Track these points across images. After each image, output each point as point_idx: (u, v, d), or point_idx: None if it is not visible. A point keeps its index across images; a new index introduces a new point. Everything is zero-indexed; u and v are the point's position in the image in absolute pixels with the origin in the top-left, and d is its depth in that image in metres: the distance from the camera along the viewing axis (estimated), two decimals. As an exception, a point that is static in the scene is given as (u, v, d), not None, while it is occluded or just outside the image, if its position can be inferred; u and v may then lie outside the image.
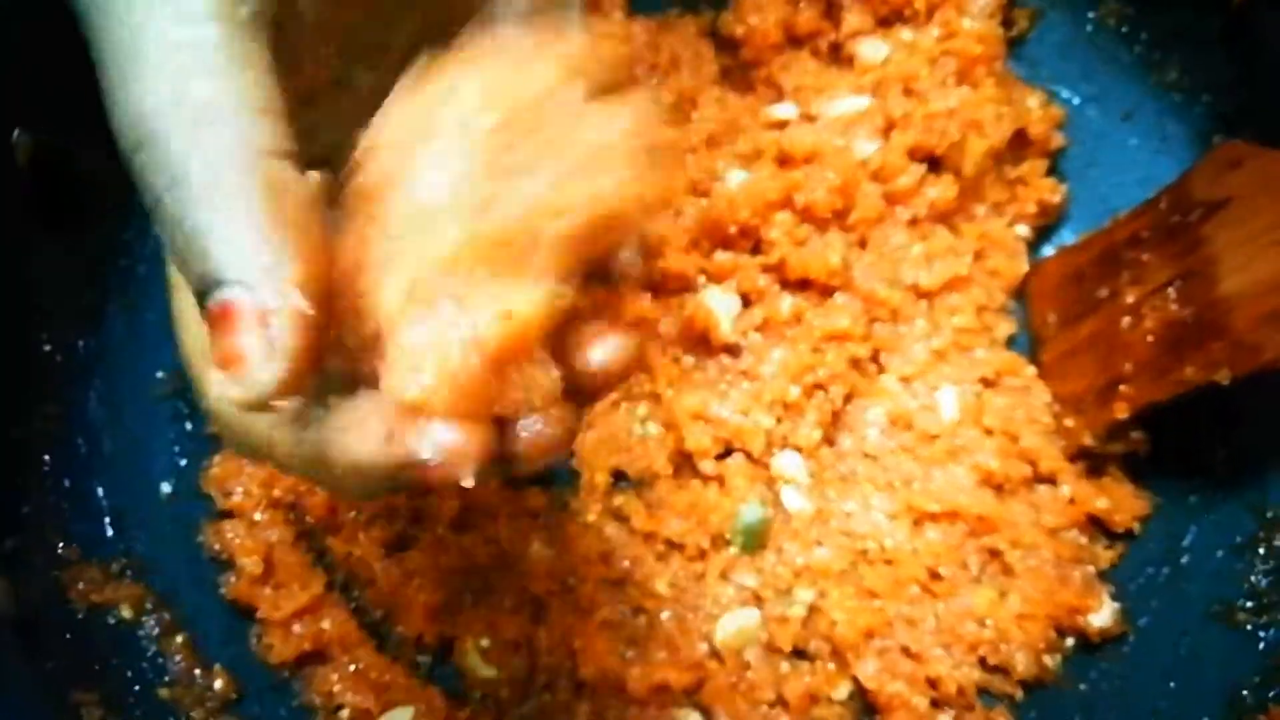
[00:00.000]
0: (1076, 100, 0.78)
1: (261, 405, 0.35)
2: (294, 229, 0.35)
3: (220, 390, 0.35)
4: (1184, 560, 0.66)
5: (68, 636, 0.60)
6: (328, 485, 0.40)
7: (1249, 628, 0.62)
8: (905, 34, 0.76)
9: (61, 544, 0.62)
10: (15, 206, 0.61)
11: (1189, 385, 0.62)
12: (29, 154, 0.61)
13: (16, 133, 0.60)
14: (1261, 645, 0.61)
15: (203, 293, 0.35)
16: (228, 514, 0.68)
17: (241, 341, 0.34)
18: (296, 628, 0.65)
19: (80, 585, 0.62)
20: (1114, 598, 0.66)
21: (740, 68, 0.80)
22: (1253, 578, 0.64)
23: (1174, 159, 0.74)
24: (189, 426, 0.70)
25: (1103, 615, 0.65)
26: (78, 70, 0.58)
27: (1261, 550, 0.64)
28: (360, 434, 0.37)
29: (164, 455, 0.69)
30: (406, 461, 0.36)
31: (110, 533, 0.65)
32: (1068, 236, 0.77)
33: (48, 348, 0.64)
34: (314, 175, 0.37)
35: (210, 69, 0.35)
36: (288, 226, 0.34)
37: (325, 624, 0.65)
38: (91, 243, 0.67)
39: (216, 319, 0.34)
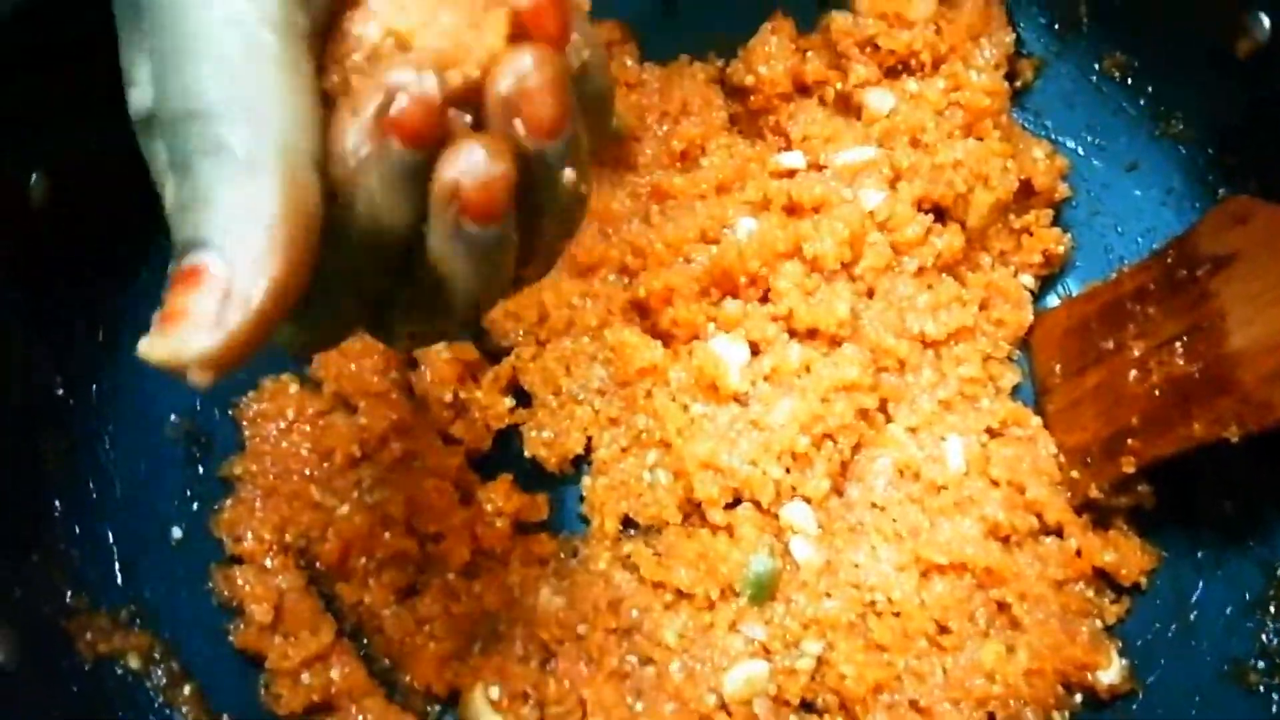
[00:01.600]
0: (1081, 151, 0.79)
1: (177, 369, 0.35)
2: (296, 233, 0.36)
3: (147, 345, 0.35)
4: (1193, 616, 0.66)
5: (74, 689, 0.60)
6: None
7: (1261, 689, 0.62)
8: (911, 85, 0.77)
9: (70, 592, 0.62)
10: (30, 249, 0.61)
11: (1197, 441, 0.62)
12: (46, 197, 0.61)
13: (34, 176, 0.60)
14: (1275, 708, 0.61)
15: (182, 251, 0.36)
16: (237, 559, 0.68)
17: (195, 302, 0.34)
18: (305, 677, 0.64)
19: (88, 635, 0.61)
20: (1122, 654, 0.66)
21: (749, 115, 0.80)
22: (1264, 636, 0.64)
23: (1179, 210, 0.75)
24: (200, 470, 0.70)
25: (1111, 672, 0.65)
26: (97, 114, 0.59)
27: (1273, 608, 0.64)
28: (341, 126, 0.37)
29: (175, 499, 0.69)
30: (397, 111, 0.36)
31: (120, 579, 0.65)
32: (1073, 286, 0.78)
33: (61, 391, 0.65)
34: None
35: (266, 72, 0.36)
36: (291, 228, 0.36)
37: (334, 673, 0.65)
38: (106, 285, 0.67)
39: (183, 275, 0.35)
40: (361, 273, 0.40)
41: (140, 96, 0.41)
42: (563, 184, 0.40)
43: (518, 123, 0.38)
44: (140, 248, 0.68)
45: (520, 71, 0.38)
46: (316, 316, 0.41)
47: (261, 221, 0.35)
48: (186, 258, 0.35)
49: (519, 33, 0.39)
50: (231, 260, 0.35)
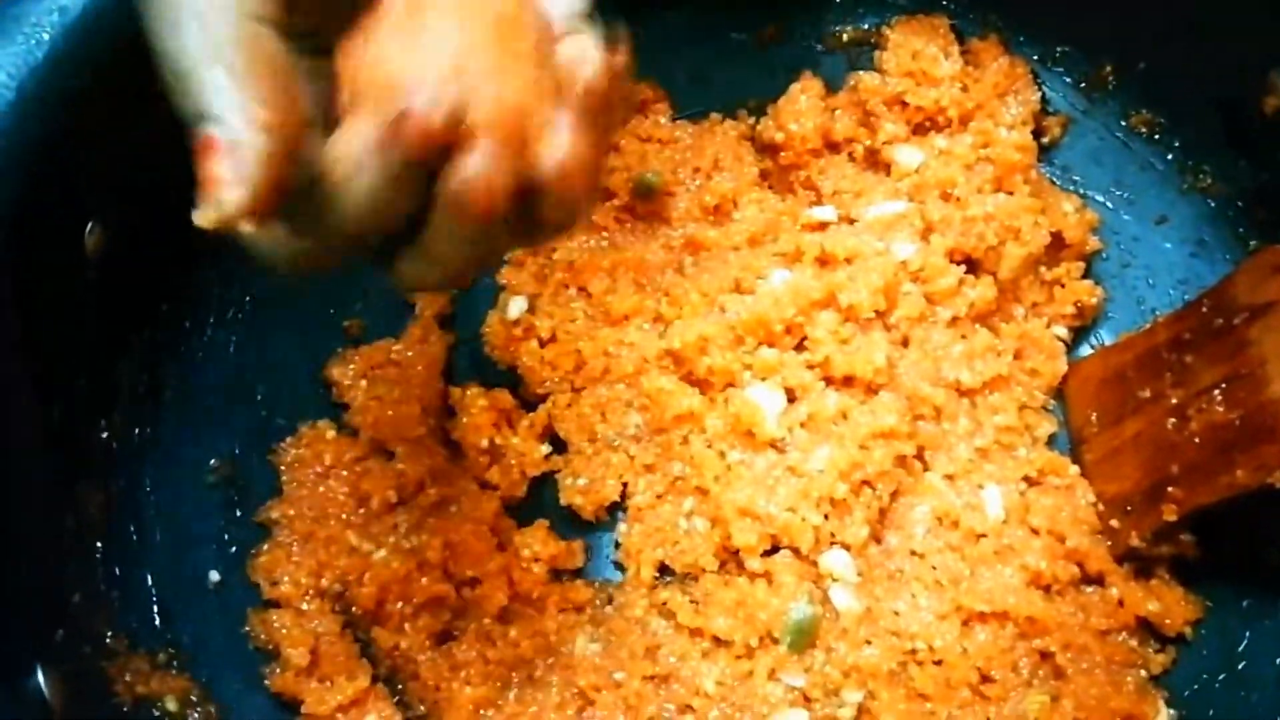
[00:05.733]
0: (1110, 205, 0.80)
1: (232, 224, 0.41)
2: (266, 79, 0.42)
3: (198, 217, 0.41)
4: (1241, 667, 0.65)
5: (114, 729, 0.59)
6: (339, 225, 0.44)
7: (1313, 739, 0.61)
8: (940, 141, 0.79)
9: (110, 634, 0.62)
10: (83, 297, 0.63)
11: (1240, 489, 0.62)
12: (100, 246, 0.62)
13: (90, 225, 0.62)
14: (1328, 757, 0.60)
15: (192, 124, 0.42)
16: (274, 603, 0.68)
17: (215, 168, 0.40)
18: (341, 721, 0.64)
19: (126, 677, 0.61)
20: (1169, 704, 0.65)
21: (780, 171, 0.82)
22: (1315, 685, 0.63)
23: (1210, 262, 0.76)
24: (238, 514, 0.70)
25: (1160, 723, 0.64)
26: (155, 167, 0.61)
27: (1323, 658, 0.63)
28: (351, 134, 0.42)
29: (213, 543, 0.69)
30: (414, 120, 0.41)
31: (158, 622, 0.65)
32: (1106, 337, 0.78)
33: (105, 434, 0.65)
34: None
35: None
36: (260, 77, 0.42)
37: (370, 718, 0.64)
38: (150, 334, 0.68)
39: (200, 148, 0.41)
40: (359, 227, 0.44)
41: None
42: (570, 204, 0.45)
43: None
44: (184, 298, 0.70)
45: (565, 152, 0.43)
46: (306, 225, 0.45)
47: (234, 79, 0.41)
48: (198, 129, 0.41)
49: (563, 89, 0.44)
50: (224, 121, 0.41)
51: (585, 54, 0.44)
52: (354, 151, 0.42)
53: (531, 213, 0.45)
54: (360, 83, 0.42)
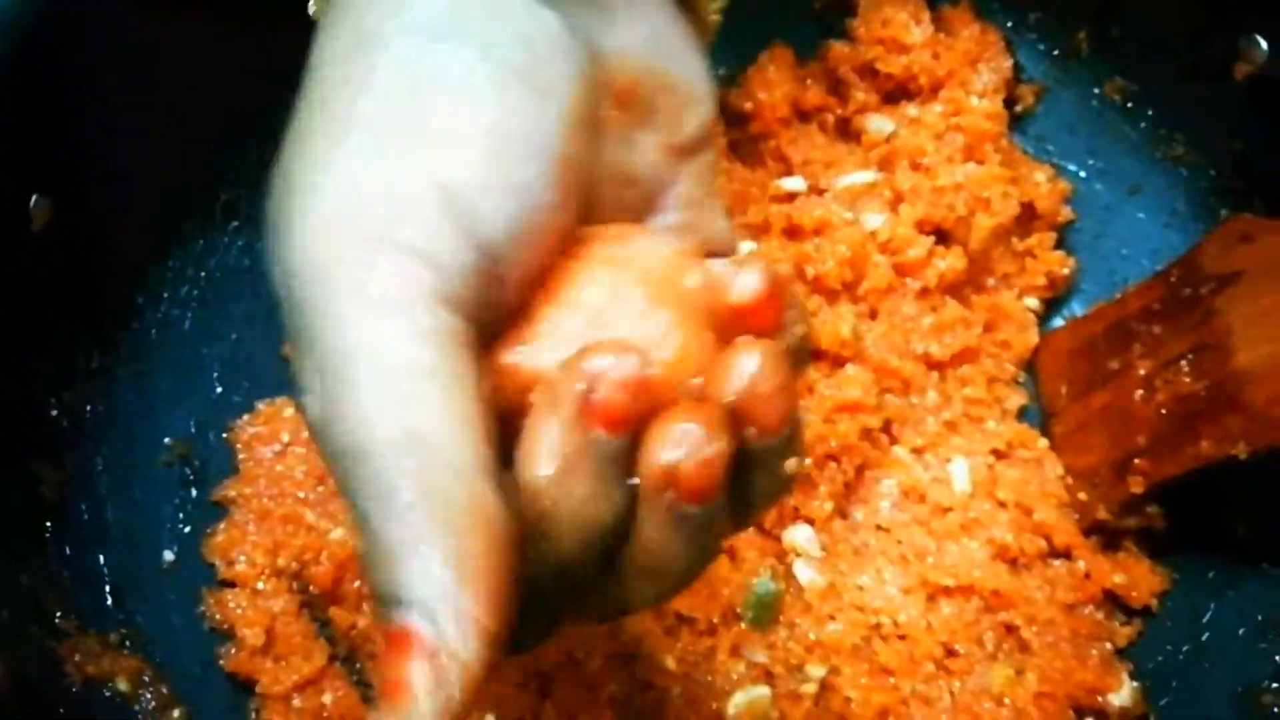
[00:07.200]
0: (1084, 175, 0.79)
1: None
2: (494, 573, 0.32)
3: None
4: (1205, 638, 0.65)
5: (62, 711, 0.58)
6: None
7: (1275, 711, 0.61)
8: (911, 110, 0.77)
9: (60, 614, 0.60)
10: (29, 271, 0.61)
11: (1205, 460, 0.61)
12: (47, 219, 0.61)
13: (35, 198, 0.60)
14: (1289, 731, 0.60)
15: (384, 605, 0.33)
16: (230, 583, 0.67)
17: (410, 671, 0.31)
18: (297, 701, 0.63)
19: (76, 658, 0.60)
20: (1133, 676, 0.65)
21: (749, 141, 0.81)
22: (1278, 658, 0.62)
23: (1183, 232, 0.75)
24: (194, 493, 0.69)
25: (1122, 695, 0.64)
26: (98, 133, 0.59)
27: (1286, 630, 0.63)
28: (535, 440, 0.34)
29: (167, 522, 0.68)
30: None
31: (110, 602, 0.64)
32: (1078, 309, 0.77)
33: (55, 413, 0.64)
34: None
35: (428, 397, 0.33)
36: (488, 570, 0.32)
37: (326, 698, 0.63)
38: (103, 309, 0.67)
39: (393, 639, 0.32)
40: (566, 573, 0.36)
41: (314, 406, 0.36)
42: (783, 467, 0.38)
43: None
44: (139, 273, 0.68)
45: (747, 375, 0.35)
46: (529, 626, 0.37)
47: (454, 571, 0.32)
48: (391, 615, 0.32)
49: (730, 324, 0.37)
50: (435, 620, 0.31)
51: (740, 277, 0.37)
52: (552, 456, 0.34)
53: (743, 489, 0.38)
54: (526, 383, 0.36)
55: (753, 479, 0.37)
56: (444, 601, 0.32)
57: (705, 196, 0.46)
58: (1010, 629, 0.66)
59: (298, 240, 0.35)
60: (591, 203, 0.40)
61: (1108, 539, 0.68)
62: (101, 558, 0.64)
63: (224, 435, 0.71)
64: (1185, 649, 0.65)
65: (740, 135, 0.81)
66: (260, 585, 0.66)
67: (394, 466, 0.32)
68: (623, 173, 0.43)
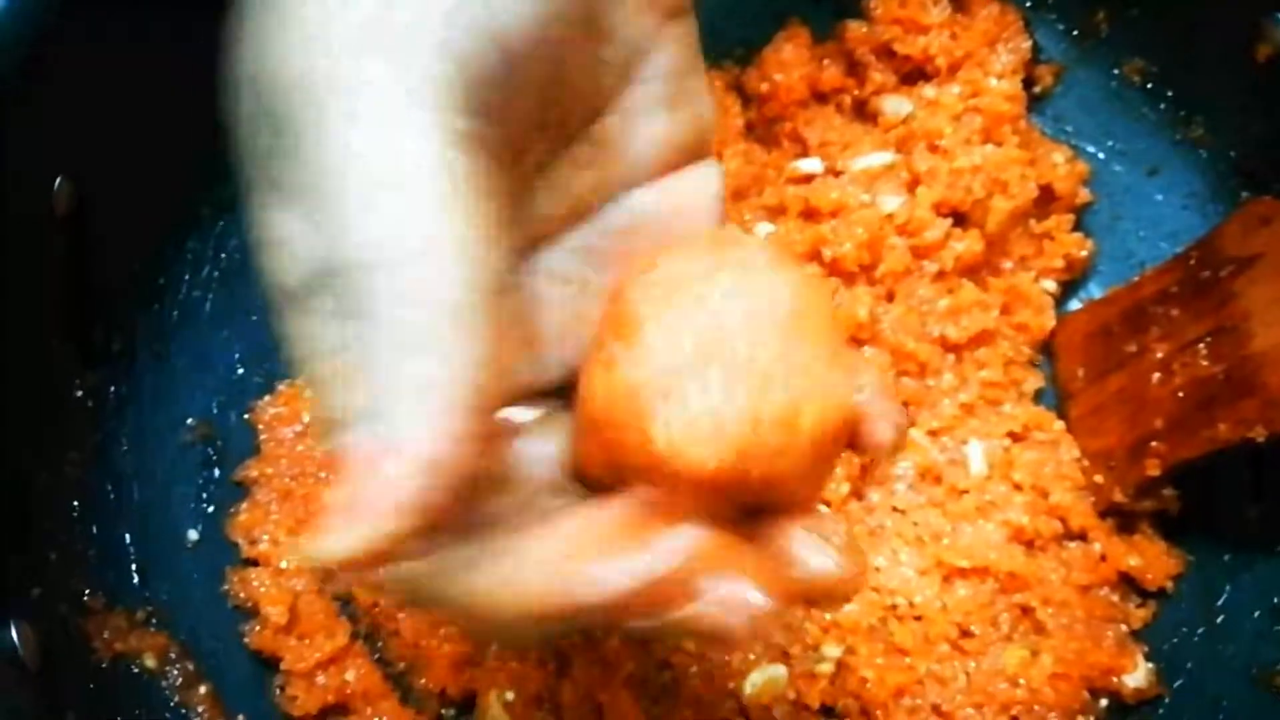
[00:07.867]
0: (1102, 156, 0.78)
1: (349, 566, 0.30)
2: (465, 384, 0.30)
3: (309, 545, 0.30)
4: (1219, 620, 0.65)
5: (90, 687, 0.59)
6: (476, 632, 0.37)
7: (1289, 692, 0.61)
8: (928, 91, 0.77)
9: (87, 592, 0.61)
10: (52, 255, 0.62)
11: (1222, 443, 0.61)
12: (69, 203, 0.61)
13: (59, 181, 0.61)
14: (1303, 712, 0.60)
15: (336, 430, 0.30)
16: (253, 562, 0.68)
17: (370, 490, 0.29)
18: (320, 679, 0.64)
19: (104, 634, 0.61)
20: (1148, 658, 0.65)
21: (765, 122, 0.80)
22: (1292, 640, 0.63)
23: (1201, 214, 0.74)
24: (217, 473, 0.70)
25: (1137, 676, 0.64)
26: (120, 117, 0.59)
27: (1301, 612, 0.63)
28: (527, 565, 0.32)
29: (191, 502, 0.69)
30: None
31: (136, 580, 0.65)
32: (1095, 291, 0.77)
33: (79, 394, 0.65)
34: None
35: (427, 203, 0.31)
36: (459, 378, 0.30)
37: (349, 675, 0.64)
38: (125, 291, 0.67)
39: (341, 463, 0.30)
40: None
41: (288, 261, 0.34)
42: None
43: None
44: (160, 255, 0.69)
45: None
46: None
47: (438, 395, 0.30)
48: (339, 438, 0.30)
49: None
50: (392, 426, 0.29)
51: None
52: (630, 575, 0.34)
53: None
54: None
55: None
56: (418, 422, 0.29)
57: (688, 68, 0.44)
58: (1026, 610, 0.66)
59: (277, 50, 0.33)
60: (568, 63, 0.38)
61: (1123, 521, 0.68)
62: (127, 537, 0.65)
63: (245, 416, 0.72)
64: (1200, 631, 0.66)
65: (756, 116, 0.80)
66: (283, 564, 0.67)
67: (383, 278, 0.30)
68: (600, 25, 0.39)
